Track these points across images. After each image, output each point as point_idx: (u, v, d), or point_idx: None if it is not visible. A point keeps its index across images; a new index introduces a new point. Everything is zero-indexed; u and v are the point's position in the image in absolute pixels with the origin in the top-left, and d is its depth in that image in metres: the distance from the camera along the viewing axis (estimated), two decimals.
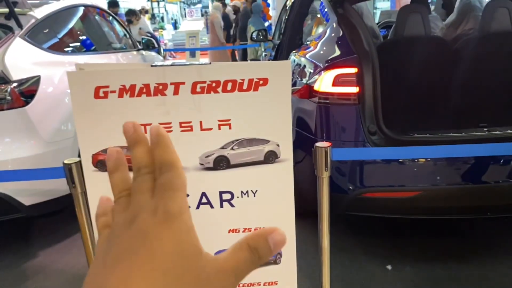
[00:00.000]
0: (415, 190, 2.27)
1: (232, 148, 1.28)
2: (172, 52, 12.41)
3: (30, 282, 2.42)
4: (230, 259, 0.32)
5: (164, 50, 6.70)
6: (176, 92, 1.21)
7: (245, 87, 1.23)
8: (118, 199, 0.34)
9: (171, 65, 1.21)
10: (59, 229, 2.98)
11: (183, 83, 1.21)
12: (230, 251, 0.32)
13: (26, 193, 2.54)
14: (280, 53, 3.96)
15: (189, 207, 0.33)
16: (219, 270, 0.31)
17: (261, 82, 1.23)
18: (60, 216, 3.10)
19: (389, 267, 2.40)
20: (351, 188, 2.31)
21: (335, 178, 2.30)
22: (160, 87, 1.20)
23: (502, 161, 2.20)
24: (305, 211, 2.07)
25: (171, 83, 1.20)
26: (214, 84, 1.22)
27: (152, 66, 1.21)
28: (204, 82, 1.21)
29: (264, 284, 1.48)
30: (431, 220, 2.81)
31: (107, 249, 0.31)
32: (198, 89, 1.22)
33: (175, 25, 20.46)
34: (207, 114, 1.25)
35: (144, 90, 1.20)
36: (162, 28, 17.46)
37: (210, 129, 1.26)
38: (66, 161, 1.47)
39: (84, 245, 1.61)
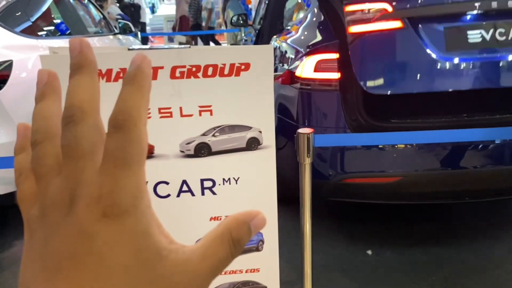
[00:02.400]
0: (395, 175, 2.29)
1: (213, 135, 1.25)
2: (150, 36, 12.19)
3: (7, 272, 2.37)
4: (209, 258, 0.25)
5: (141, 34, 6.56)
6: (154, 77, 1.17)
7: (226, 72, 1.20)
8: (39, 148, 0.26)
9: (149, 48, 1.17)
10: None
11: (162, 67, 1.17)
12: (208, 245, 0.25)
13: None
14: (261, 38, 3.91)
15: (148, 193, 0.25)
16: (192, 276, 0.24)
17: (242, 67, 1.20)
18: None
19: (369, 252, 2.42)
20: (331, 174, 2.31)
21: (316, 164, 2.30)
22: None
23: (480, 146, 2.24)
24: (287, 197, 2.06)
25: None
26: (194, 69, 1.18)
27: (129, 49, 1.16)
28: (184, 66, 1.17)
29: (246, 272, 1.47)
30: (410, 205, 2.85)
31: (41, 241, 0.24)
32: (177, 74, 1.18)
33: (152, 9, 19.99)
34: (187, 99, 1.21)
35: (121, 75, 1.16)
36: None
37: (191, 115, 1.23)
38: None
39: None
